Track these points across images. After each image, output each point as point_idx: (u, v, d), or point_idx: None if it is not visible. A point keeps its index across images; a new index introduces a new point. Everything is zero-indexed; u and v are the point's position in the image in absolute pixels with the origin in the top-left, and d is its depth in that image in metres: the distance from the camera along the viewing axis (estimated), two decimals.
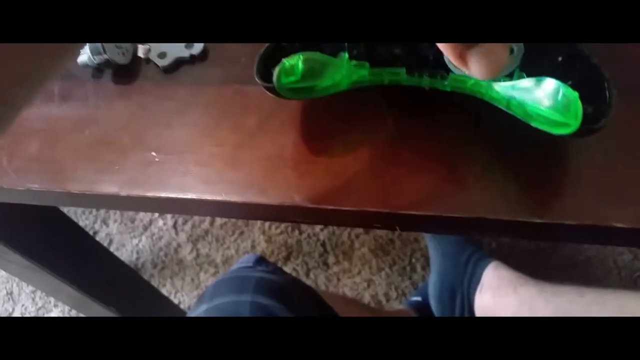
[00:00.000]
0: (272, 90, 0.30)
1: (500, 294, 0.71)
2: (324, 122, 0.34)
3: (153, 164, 0.33)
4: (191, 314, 0.49)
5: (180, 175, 0.33)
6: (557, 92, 0.27)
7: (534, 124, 0.29)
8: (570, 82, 0.28)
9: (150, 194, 0.32)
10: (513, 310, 0.68)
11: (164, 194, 0.32)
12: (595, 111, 0.27)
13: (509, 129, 0.31)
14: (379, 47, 0.32)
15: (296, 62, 0.30)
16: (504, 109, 0.30)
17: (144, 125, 0.35)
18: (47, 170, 0.34)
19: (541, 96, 0.28)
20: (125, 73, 0.38)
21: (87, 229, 1.11)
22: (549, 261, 0.91)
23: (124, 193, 0.33)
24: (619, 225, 0.28)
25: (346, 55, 0.32)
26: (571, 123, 0.26)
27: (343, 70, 0.32)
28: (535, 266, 0.89)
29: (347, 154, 0.32)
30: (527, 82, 0.28)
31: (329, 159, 0.32)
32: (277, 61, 0.30)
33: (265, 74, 0.31)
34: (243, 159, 0.33)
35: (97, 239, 1.09)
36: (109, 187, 0.33)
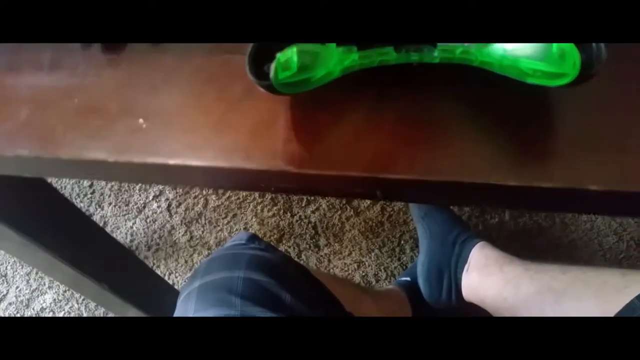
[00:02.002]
0: (270, 87, 0.30)
1: (486, 273, 0.73)
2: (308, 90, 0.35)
3: (140, 131, 0.34)
4: (184, 290, 0.50)
5: (167, 141, 0.34)
6: (550, 44, 0.28)
7: (529, 81, 0.29)
8: None
9: (137, 159, 0.33)
10: (499, 288, 0.69)
11: (150, 160, 0.33)
12: (586, 56, 0.27)
13: (488, 95, 0.32)
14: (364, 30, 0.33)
15: (290, 55, 0.30)
16: (496, 71, 0.31)
17: (132, 93, 0.36)
18: (36, 137, 0.35)
19: (534, 51, 0.28)
20: (114, 44, 0.38)
21: (82, 208, 1.12)
22: (534, 243, 0.92)
23: (111, 159, 0.33)
24: (594, 188, 0.29)
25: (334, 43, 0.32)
26: (569, 72, 0.27)
27: (334, 58, 0.32)
28: (521, 248, 0.91)
29: (330, 120, 0.33)
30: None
31: (312, 126, 0.33)
32: (267, 58, 0.30)
33: (258, 71, 0.30)
34: (229, 125, 0.34)
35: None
36: (97, 153, 0.34)
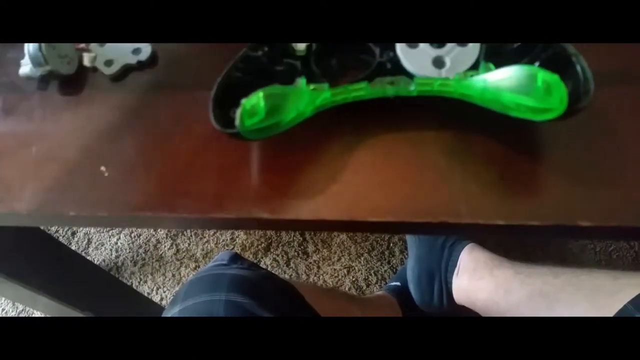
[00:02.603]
0: (236, 135, 0.28)
1: (476, 277, 0.72)
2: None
3: (103, 180, 0.32)
4: (165, 314, 0.48)
5: (132, 191, 0.32)
6: (534, 78, 0.26)
7: (513, 114, 0.28)
8: (537, 64, 0.27)
9: (100, 213, 0.31)
10: (489, 292, 0.68)
11: (115, 213, 0.31)
12: (573, 89, 0.26)
13: (470, 128, 0.31)
14: (335, 64, 0.31)
15: (257, 101, 0.28)
16: (477, 104, 0.29)
17: (93, 138, 0.34)
18: None
19: (518, 84, 0.27)
20: (72, 83, 0.36)
21: (64, 229, 1.09)
22: (524, 240, 0.92)
23: (73, 213, 0.31)
24: (585, 224, 0.28)
25: (303, 80, 0.30)
26: (555, 107, 0.25)
27: (305, 98, 0.30)
28: (511, 244, 0.90)
29: (304, 161, 0.31)
30: (500, 73, 0.27)
31: (285, 167, 0.32)
32: (231, 102, 0.28)
33: (222, 118, 0.29)
34: (197, 170, 0.32)
35: (76, 238, 1.08)
36: (58, 207, 0.32)
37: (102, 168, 0.33)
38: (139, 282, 1.01)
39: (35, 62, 0.34)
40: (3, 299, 1.04)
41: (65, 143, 0.34)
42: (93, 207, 0.31)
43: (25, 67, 0.35)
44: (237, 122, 0.27)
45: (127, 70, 0.36)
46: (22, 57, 0.35)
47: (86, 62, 0.36)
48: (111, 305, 0.73)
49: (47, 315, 1.00)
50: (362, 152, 0.31)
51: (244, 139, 0.29)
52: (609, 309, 0.51)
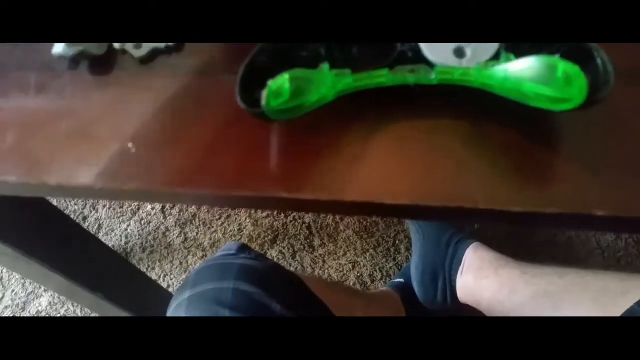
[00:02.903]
0: (261, 115, 0.29)
1: (481, 276, 0.73)
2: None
3: (129, 156, 0.34)
4: (174, 300, 0.49)
5: (157, 167, 0.33)
6: (555, 68, 0.27)
7: (533, 104, 0.28)
8: (558, 55, 0.28)
9: (126, 186, 0.33)
10: (494, 292, 0.69)
11: (140, 186, 0.32)
12: (592, 80, 0.27)
13: (488, 117, 0.32)
14: (357, 52, 0.32)
15: (282, 82, 0.29)
16: (498, 93, 0.30)
17: (121, 117, 0.35)
18: (23, 163, 0.34)
19: (538, 75, 0.28)
20: (102, 64, 0.37)
21: (76, 215, 1.11)
22: (530, 241, 0.92)
23: (99, 185, 0.33)
24: (600, 213, 0.28)
25: (327, 65, 0.31)
26: (574, 97, 0.26)
27: (328, 82, 0.31)
28: (517, 246, 0.91)
29: (325, 144, 0.33)
30: (521, 63, 0.28)
31: (306, 150, 0.33)
32: (258, 84, 0.29)
33: (248, 98, 0.30)
34: (221, 150, 0.33)
35: (87, 224, 1.09)
36: (86, 179, 0.33)
37: (130, 145, 0.34)
38: (147, 269, 1.02)
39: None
40: (13, 280, 1.06)
41: (94, 120, 0.35)
42: (119, 181, 0.33)
43: (58, 47, 0.37)
44: (263, 102, 0.29)
45: (155, 54, 0.38)
46: None
47: (116, 44, 0.38)
48: (122, 287, 0.75)
49: (57, 294, 1.02)
50: (382, 138, 0.32)
51: (268, 120, 0.30)
52: (615, 310, 0.52)
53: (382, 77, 0.31)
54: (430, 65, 0.31)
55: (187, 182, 0.32)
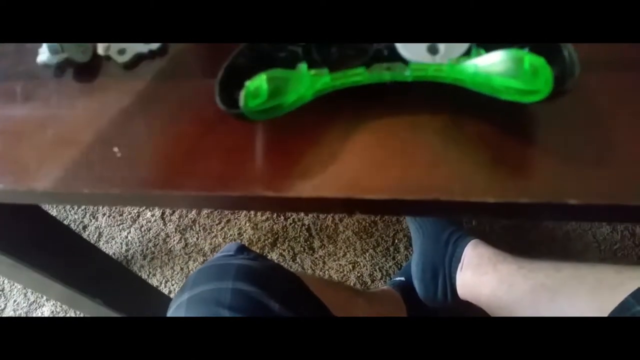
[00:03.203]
0: (240, 115, 0.30)
1: (480, 272, 0.73)
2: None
3: (115, 161, 0.34)
4: (173, 302, 0.50)
5: (143, 170, 0.33)
6: (521, 61, 0.27)
7: (503, 97, 0.29)
8: (527, 48, 0.28)
9: (113, 190, 0.33)
10: (493, 287, 0.69)
11: (126, 191, 0.33)
12: (559, 72, 0.27)
13: (463, 111, 0.32)
14: (334, 52, 0.32)
15: (260, 83, 0.29)
16: (470, 88, 0.30)
17: (106, 122, 0.36)
18: (11, 170, 0.35)
19: (506, 68, 0.28)
20: (86, 71, 0.38)
21: (76, 224, 1.12)
22: (528, 236, 0.92)
23: (87, 190, 0.33)
24: (573, 202, 0.28)
25: (304, 65, 0.32)
26: (541, 89, 0.27)
27: (305, 82, 0.31)
28: (515, 242, 0.91)
29: (306, 143, 0.33)
30: (490, 58, 0.29)
31: (288, 149, 0.33)
32: (236, 85, 0.30)
33: (227, 99, 0.30)
34: (204, 151, 0.34)
35: (87, 232, 1.10)
36: (73, 185, 0.34)
37: (115, 149, 0.34)
38: (148, 275, 1.03)
39: (52, 51, 0.36)
40: (15, 290, 1.07)
41: (80, 127, 0.36)
42: (106, 185, 0.33)
43: (43, 55, 0.37)
44: (241, 103, 0.29)
45: (139, 59, 0.38)
46: (40, 45, 0.37)
47: (100, 51, 0.38)
48: (121, 294, 0.75)
49: (58, 303, 1.02)
50: (361, 135, 0.32)
51: (248, 120, 0.30)
52: (610, 301, 0.52)
53: (359, 76, 0.32)
54: (405, 62, 0.31)
55: (173, 184, 0.33)
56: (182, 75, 0.37)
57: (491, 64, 0.28)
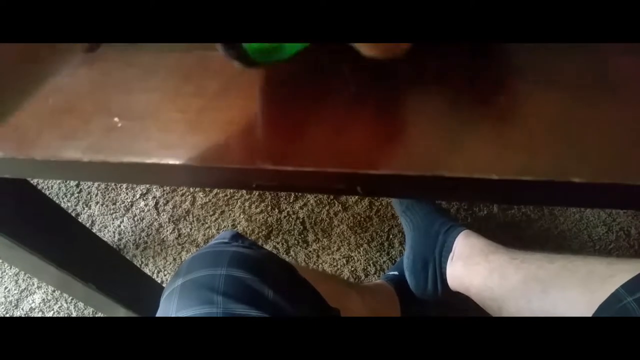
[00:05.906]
0: (242, 56, 0.30)
1: (471, 263, 0.73)
2: (285, 86, 0.34)
3: (115, 130, 0.34)
4: (167, 288, 0.49)
5: (143, 140, 0.33)
6: None
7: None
8: None
9: (112, 159, 0.33)
10: (484, 277, 0.69)
11: (126, 159, 0.33)
12: None
13: (464, 84, 0.32)
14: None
15: None
16: None
17: (107, 92, 0.35)
18: (10, 138, 0.34)
19: None
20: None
21: (69, 211, 1.11)
22: (523, 235, 0.93)
23: (86, 159, 0.33)
24: (577, 180, 0.28)
25: None
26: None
27: None
28: (509, 240, 0.91)
29: (307, 116, 0.33)
30: None
31: (290, 122, 0.33)
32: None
33: (230, 46, 0.30)
34: (205, 123, 0.33)
35: (80, 220, 1.09)
36: (73, 153, 0.33)
37: (116, 119, 0.34)
38: (141, 265, 1.02)
39: None
40: (6, 277, 1.06)
41: (81, 96, 0.36)
42: (106, 154, 0.33)
43: None
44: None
45: None
46: None
47: None
48: (114, 278, 0.75)
49: (49, 291, 1.01)
50: (363, 110, 0.32)
51: (250, 63, 0.30)
52: (601, 293, 0.52)
53: None
54: None
55: (171, 155, 0.32)
56: (184, 47, 0.37)
57: None
